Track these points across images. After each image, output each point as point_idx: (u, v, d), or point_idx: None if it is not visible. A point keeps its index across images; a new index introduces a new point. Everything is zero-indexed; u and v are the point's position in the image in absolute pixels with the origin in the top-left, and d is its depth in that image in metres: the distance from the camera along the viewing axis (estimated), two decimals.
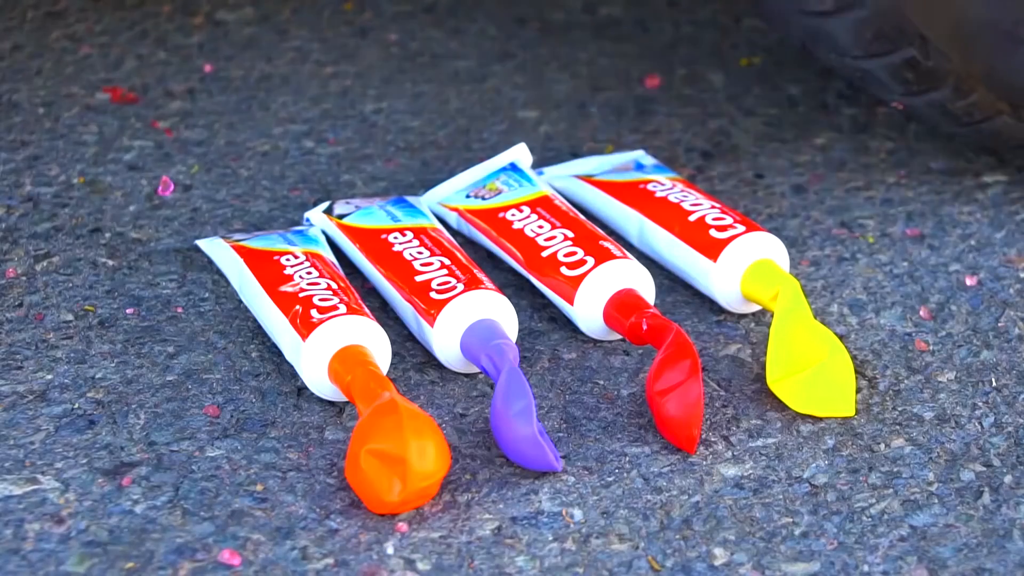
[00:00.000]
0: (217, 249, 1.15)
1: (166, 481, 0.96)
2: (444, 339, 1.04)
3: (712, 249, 1.10)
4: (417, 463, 0.92)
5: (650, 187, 1.18)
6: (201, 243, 1.17)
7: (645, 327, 1.03)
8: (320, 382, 1.02)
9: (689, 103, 1.38)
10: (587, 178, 1.22)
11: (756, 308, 1.12)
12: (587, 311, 1.08)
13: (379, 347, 1.02)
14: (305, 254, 1.11)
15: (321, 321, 1.01)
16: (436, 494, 0.95)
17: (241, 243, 1.14)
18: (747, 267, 1.09)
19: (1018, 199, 1.25)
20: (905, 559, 0.91)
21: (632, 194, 1.18)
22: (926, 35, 1.08)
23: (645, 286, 1.08)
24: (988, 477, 0.97)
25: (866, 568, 0.91)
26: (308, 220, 1.19)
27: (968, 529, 0.94)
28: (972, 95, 1.13)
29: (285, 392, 1.05)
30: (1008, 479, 0.97)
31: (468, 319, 1.04)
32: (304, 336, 1.01)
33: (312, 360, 1.01)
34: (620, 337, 1.09)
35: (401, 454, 0.92)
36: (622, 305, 1.06)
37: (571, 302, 1.08)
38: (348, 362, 1.00)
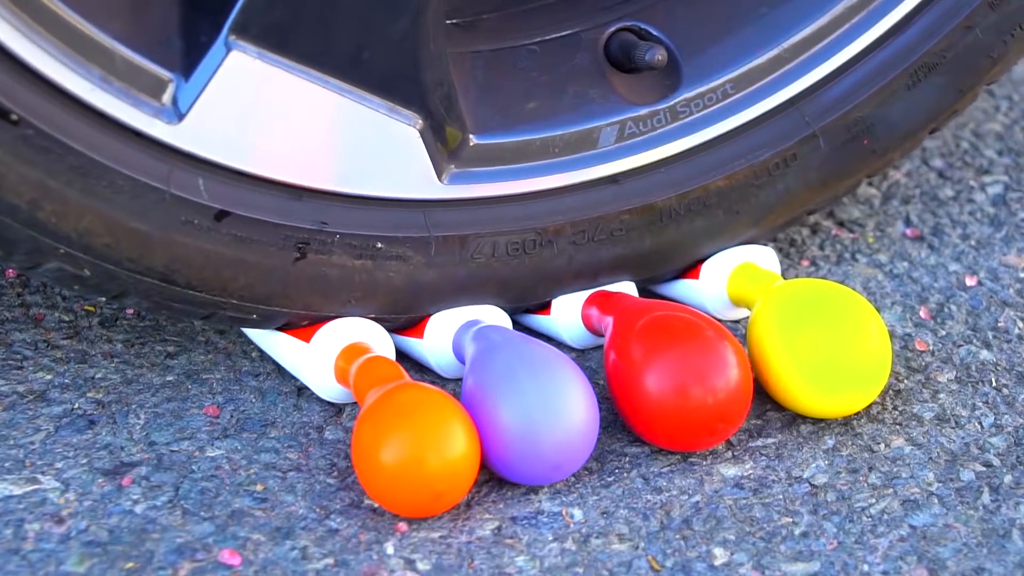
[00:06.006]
0: None
1: (166, 481, 0.96)
2: (435, 347, 1.03)
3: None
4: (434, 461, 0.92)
5: None
6: None
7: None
8: (326, 383, 1.01)
9: None
10: None
11: (744, 314, 1.11)
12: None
13: (384, 346, 1.02)
14: None
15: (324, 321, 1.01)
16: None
17: None
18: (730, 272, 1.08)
19: (1018, 199, 1.25)
20: (905, 559, 0.91)
21: None
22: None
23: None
24: (988, 477, 0.97)
25: (866, 568, 0.91)
26: None
27: (968, 529, 0.94)
28: None
29: (285, 392, 1.05)
30: (1008, 479, 0.97)
31: (456, 323, 1.03)
32: (307, 338, 1.01)
33: (319, 360, 1.00)
34: None
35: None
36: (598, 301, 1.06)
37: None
38: (356, 358, 0.99)
